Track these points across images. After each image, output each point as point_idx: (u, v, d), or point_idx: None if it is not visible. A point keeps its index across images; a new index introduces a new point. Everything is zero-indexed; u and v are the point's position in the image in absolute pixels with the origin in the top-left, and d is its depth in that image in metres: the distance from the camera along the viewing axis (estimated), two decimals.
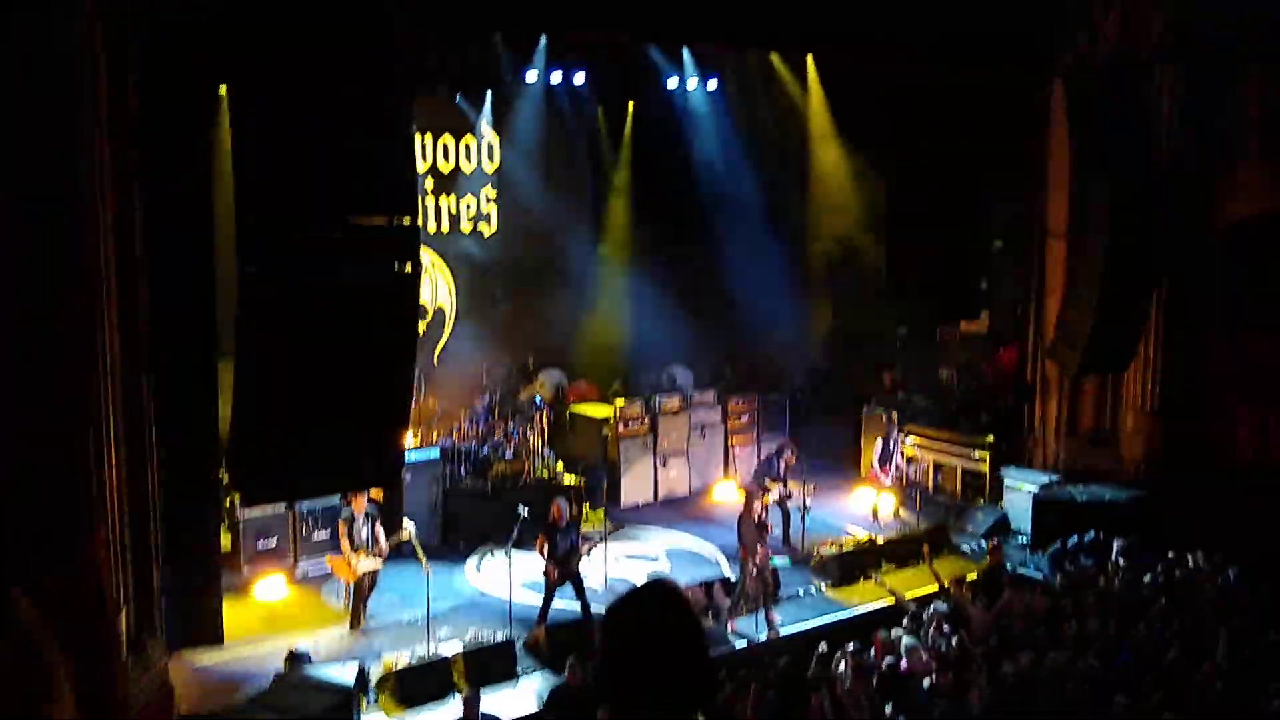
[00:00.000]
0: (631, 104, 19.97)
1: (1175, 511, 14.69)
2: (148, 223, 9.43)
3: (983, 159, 17.80)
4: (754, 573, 12.76)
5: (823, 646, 11.01)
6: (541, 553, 12.30)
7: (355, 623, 12.39)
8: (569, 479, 16.25)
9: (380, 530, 12.48)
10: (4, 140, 7.81)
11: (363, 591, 12.45)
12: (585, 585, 12.38)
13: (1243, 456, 15.49)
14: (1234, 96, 15.15)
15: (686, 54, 18.21)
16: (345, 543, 12.27)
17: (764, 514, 13.01)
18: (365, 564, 12.29)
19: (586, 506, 15.65)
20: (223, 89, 10.61)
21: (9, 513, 7.11)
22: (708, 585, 13.24)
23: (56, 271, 8.09)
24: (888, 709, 9.32)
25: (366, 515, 12.45)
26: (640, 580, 13.07)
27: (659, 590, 2.64)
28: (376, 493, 12.96)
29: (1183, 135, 15.05)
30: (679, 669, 2.48)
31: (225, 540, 13.20)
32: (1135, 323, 14.09)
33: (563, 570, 12.25)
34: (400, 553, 12.84)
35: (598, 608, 12.39)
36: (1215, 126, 15.13)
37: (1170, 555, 12.88)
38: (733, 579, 13.41)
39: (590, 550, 12.62)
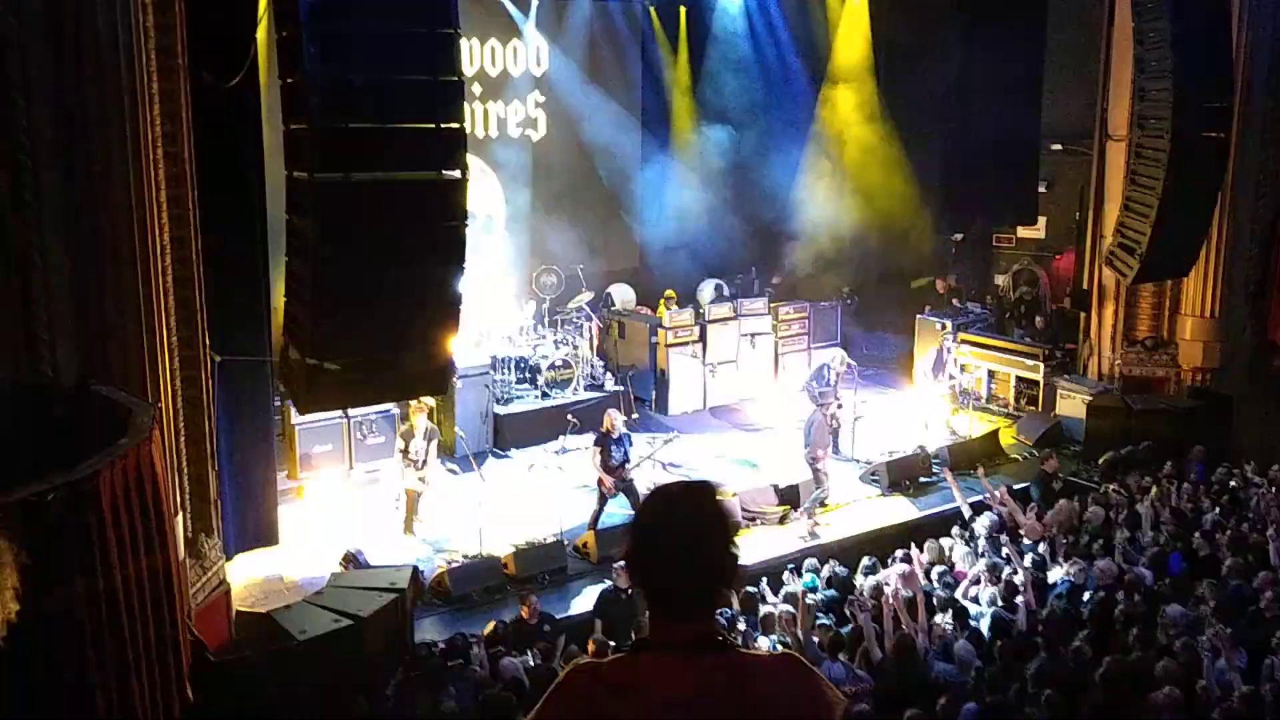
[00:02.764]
0: (683, 9, 19.55)
1: (1232, 420, 14.50)
2: (195, 126, 9.39)
3: (1043, 58, 17.29)
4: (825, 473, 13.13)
5: (868, 559, 11.03)
6: (595, 463, 12.42)
7: (409, 528, 12.61)
8: (614, 385, 16.31)
9: (434, 448, 12.67)
10: (51, 44, 7.76)
11: (415, 501, 12.65)
12: (638, 492, 12.49)
13: None
14: None
15: None
16: (402, 455, 12.47)
17: (834, 420, 13.35)
18: (411, 481, 12.48)
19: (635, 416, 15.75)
20: None
21: (66, 417, 7.22)
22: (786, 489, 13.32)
23: (106, 173, 8.09)
24: (937, 619, 9.33)
25: (426, 431, 12.64)
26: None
27: (694, 485, 2.70)
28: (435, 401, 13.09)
29: (1257, 30, 14.51)
30: (700, 554, 2.55)
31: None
32: (1197, 229, 13.73)
33: (617, 479, 12.37)
34: (452, 459, 12.99)
35: None
36: None
37: (1226, 465, 12.73)
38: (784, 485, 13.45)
39: (647, 457, 12.75)
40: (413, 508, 12.65)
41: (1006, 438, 15.67)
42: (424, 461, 12.61)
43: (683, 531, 2.55)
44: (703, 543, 2.55)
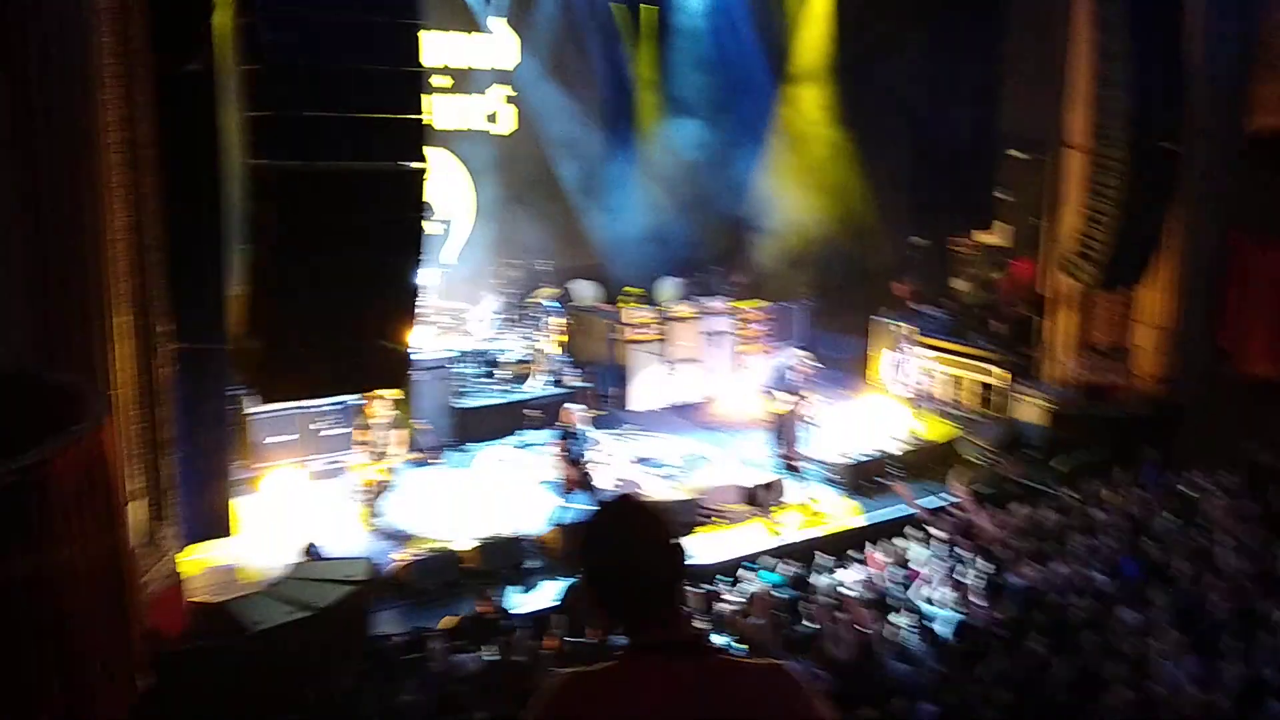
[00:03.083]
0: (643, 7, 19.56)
1: (1186, 427, 14.68)
2: (154, 107, 9.26)
3: (1001, 66, 17.44)
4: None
5: (826, 559, 11.08)
6: (558, 458, 12.43)
7: (368, 519, 12.53)
8: (575, 381, 16.29)
9: (394, 436, 12.60)
10: (3, 24, 7.62)
11: (378, 491, 12.56)
12: (596, 486, 12.52)
13: (1256, 370, 15.42)
14: (1263, 5, 14.79)
15: None
16: (365, 446, 12.40)
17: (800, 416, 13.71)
18: (381, 465, 12.41)
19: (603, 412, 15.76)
20: None
21: (17, 403, 7.09)
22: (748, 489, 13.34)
23: (61, 158, 7.96)
24: (894, 619, 9.37)
25: (386, 421, 12.57)
26: (645, 485, 13.32)
27: (620, 500, 2.84)
28: (395, 394, 13.00)
29: (1211, 45, 14.70)
30: (646, 556, 2.68)
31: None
32: (1152, 237, 13.91)
33: (578, 473, 12.39)
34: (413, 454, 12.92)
35: None
36: (1245, 37, 14.77)
37: (1180, 471, 12.89)
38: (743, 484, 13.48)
39: (602, 453, 12.78)
40: (375, 498, 12.56)
41: (963, 442, 15.78)
42: (385, 451, 12.53)
43: (625, 541, 2.69)
44: (646, 546, 2.68)
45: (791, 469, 13.56)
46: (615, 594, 2.68)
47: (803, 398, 14.60)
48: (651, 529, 2.72)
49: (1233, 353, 15.73)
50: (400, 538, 12.27)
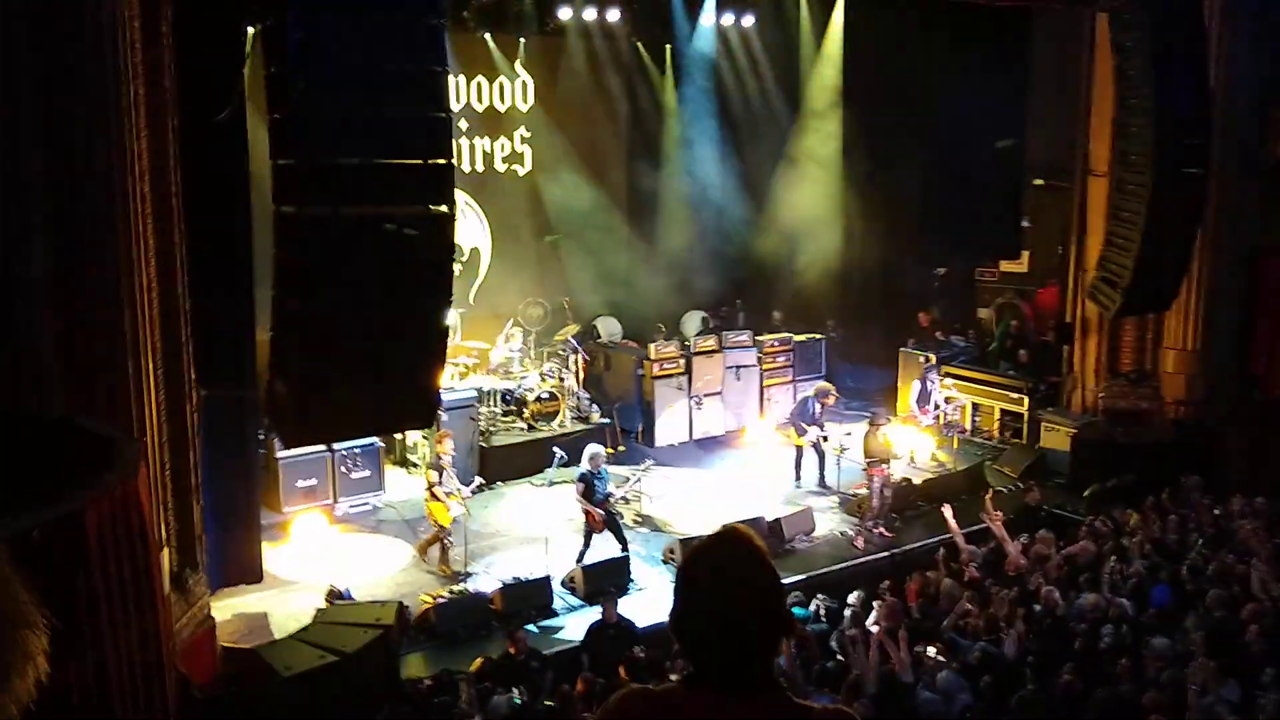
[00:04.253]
0: (669, 46, 19.67)
1: (1216, 452, 14.56)
2: (183, 162, 9.42)
3: (1025, 93, 17.48)
4: (879, 490, 13.48)
5: (854, 595, 11.00)
6: (581, 498, 12.42)
7: (445, 561, 12.51)
8: (600, 418, 16.35)
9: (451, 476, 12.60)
10: (39, 83, 7.78)
11: (451, 531, 12.54)
12: (621, 523, 12.59)
13: None
14: None
15: None
16: (439, 489, 12.33)
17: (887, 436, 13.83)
18: (456, 509, 12.38)
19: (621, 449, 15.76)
20: (252, 30, 10.64)
21: (50, 450, 7.17)
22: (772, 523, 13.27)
23: (92, 214, 8.09)
24: (925, 650, 9.31)
25: (455, 461, 12.58)
26: (681, 525, 13.30)
27: (733, 539, 2.46)
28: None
29: (1234, 71, 14.71)
30: (756, 618, 2.37)
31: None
32: (1178, 262, 13.86)
33: (601, 512, 12.38)
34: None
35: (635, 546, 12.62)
36: (1268, 62, 14.79)
37: (1210, 497, 12.77)
38: (768, 517, 13.45)
39: (627, 490, 12.76)
40: (448, 540, 12.52)
41: (991, 470, 15.70)
42: (455, 489, 12.47)
43: (728, 592, 2.37)
44: (750, 601, 2.37)
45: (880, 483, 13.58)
46: (697, 642, 2.41)
47: (825, 429, 14.63)
48: (749, 570, 2.39)
49: (1262, 376, 15.61)
50: (427, 580, 12.26)
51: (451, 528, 12.44)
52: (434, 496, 12.39)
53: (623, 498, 12.77)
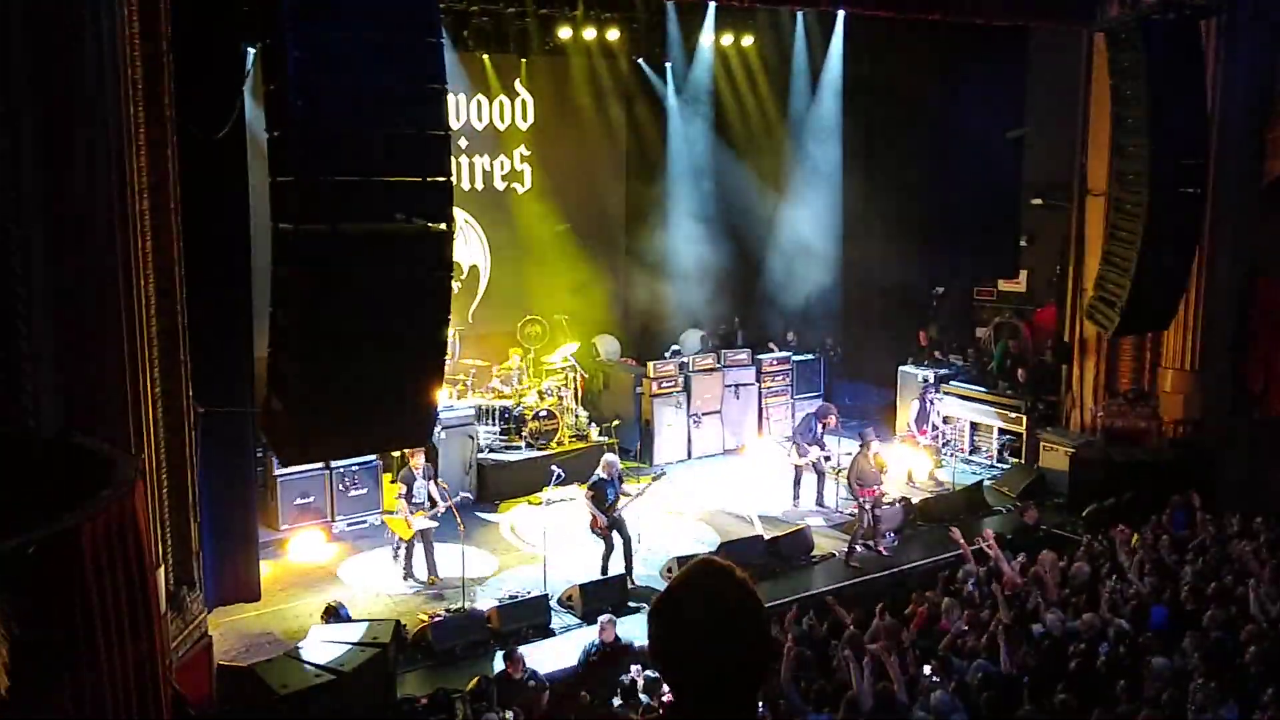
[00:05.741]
0: (668, 65, 19.72)
1: (1215, 470, 14.55)
2: (181, 178, 9.44)
3: (1023, 115, 17.55)
4: (870, 510, 13.48)
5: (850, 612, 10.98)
6: (592, 505, 12.47)
7: (408, 574, 12.63)
8: (599, 435, 16.36)
9: (436, 489, 12.62)
10: (39, 102, 7.80)
11: (422, 547, 12.64)
12: (629, 532, 12.71)
13: None
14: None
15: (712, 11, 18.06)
16: (403, 502, 12.41)
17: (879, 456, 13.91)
18: (421, 522, 12.41)
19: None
20: (252, 48, 10.67)
21: (47, 467, 7.17)
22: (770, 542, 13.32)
23: (91, 232, 8.10)
24: (922, 669, 9.28)
25: (424, 471, 12.62)
26: (681, 543, 13.29)
27: (714, 569, 2.42)
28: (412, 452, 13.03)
29: (1230, 92, 14.76)
30: (740, 650, 2.34)
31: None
32: (1176, 282, 13.87)
33: (608, 518, 12.48)
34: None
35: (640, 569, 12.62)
36: (1263, 83, 14.84)
37: (1208, 516, 12.75)
38: (766, 535, 13.46)
39: (634, 498, 12.84)
40: (426, 550, 12.61)
41: (989, 489, 15.68)
42: (431, 501, 12.55)
43: (713, 622, 2.33)
44: (735, 632, 2.34)
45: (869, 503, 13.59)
46: (684, 678, 2.38)
47: (826, 448, 14.61)
48: (735, 602, 2.35)
49: (1259, 395, 15.61)
50: (423, 597, 12.25)
51: (416, 540, 12.53)
52: (395, 510, 12.65)
53: (628, 503, 12.81)
